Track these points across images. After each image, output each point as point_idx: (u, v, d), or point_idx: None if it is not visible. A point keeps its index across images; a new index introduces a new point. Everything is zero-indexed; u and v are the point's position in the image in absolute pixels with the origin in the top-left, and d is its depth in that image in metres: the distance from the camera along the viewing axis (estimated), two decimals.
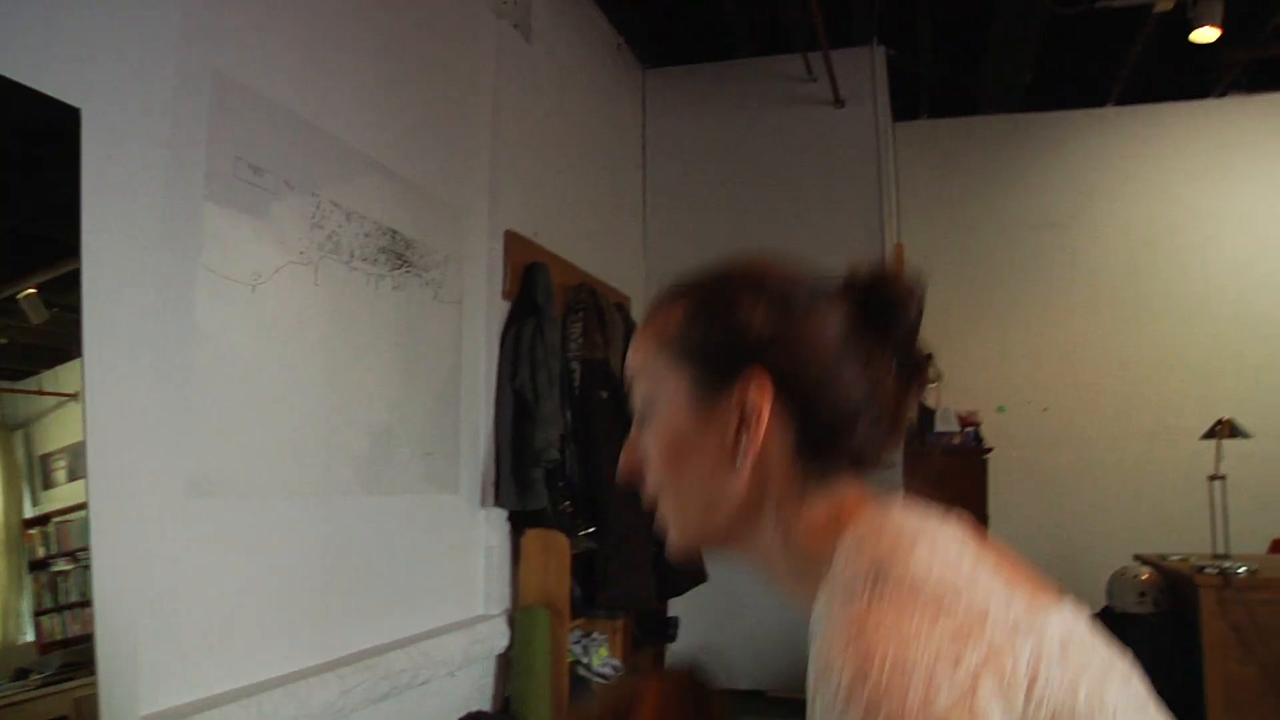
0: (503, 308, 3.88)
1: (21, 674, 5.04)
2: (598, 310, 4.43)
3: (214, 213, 2.53)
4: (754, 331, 0.98)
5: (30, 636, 6.94)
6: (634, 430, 1.03)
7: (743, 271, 1.03)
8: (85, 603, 6.94)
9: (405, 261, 3.37)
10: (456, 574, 3.54)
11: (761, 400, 0.95)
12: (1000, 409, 6.31)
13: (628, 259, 5.57)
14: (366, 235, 3.17)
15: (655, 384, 1.01)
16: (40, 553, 7.26)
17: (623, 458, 1.04)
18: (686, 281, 1.05)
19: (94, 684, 4.74)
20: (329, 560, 2.92)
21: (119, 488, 2.25)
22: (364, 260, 3.16)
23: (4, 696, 4.94)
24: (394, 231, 3.31)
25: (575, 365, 4.15)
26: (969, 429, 5.73)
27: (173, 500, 2.39)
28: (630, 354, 1.05)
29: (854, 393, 0.98)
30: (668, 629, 4.58)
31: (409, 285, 3.39)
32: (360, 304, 3.12)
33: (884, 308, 1.02)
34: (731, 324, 0.98)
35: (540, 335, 3.85)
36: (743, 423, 0.96)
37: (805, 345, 0.98)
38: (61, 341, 7.57)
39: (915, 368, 1.03)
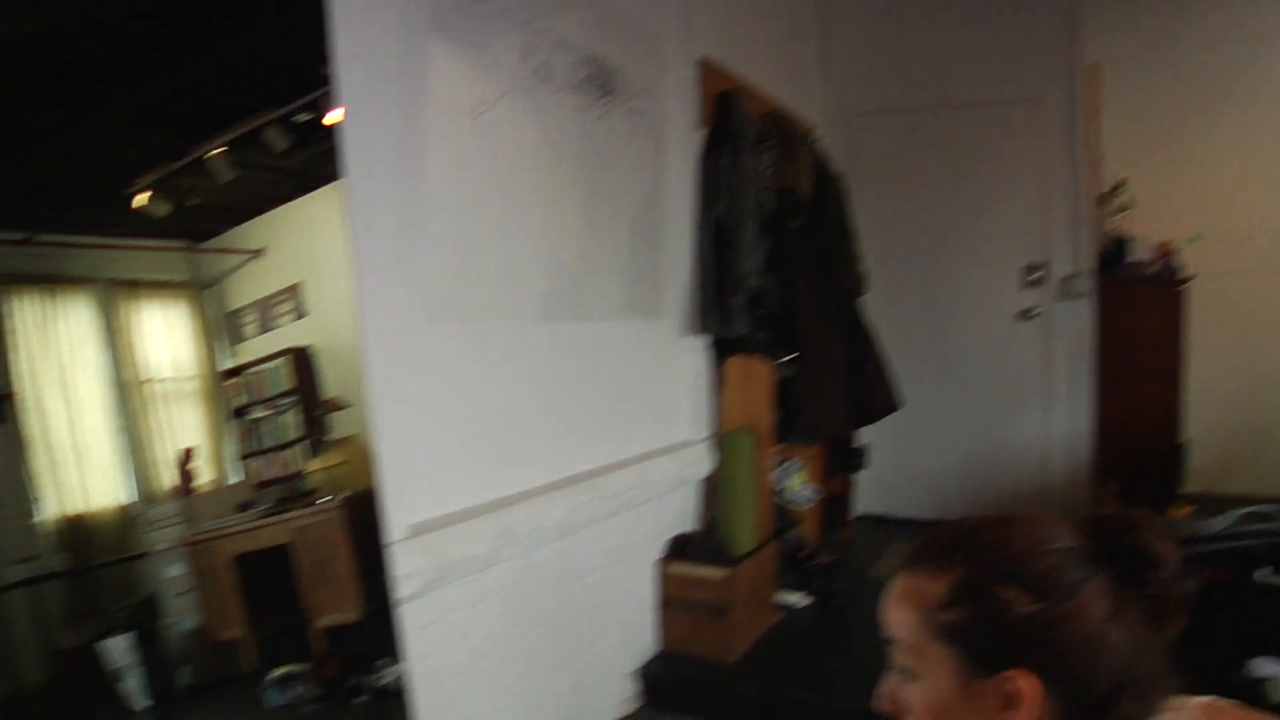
0: (699, 136, 3.83)
1: (244, 507, 5.29)
2: (787, 139, 4.34)
3: (438, 43, 2.54)
4: (1017, 626, 1.00)
5: (238, 477, 7.38)
6: (895, 678, 1.09)
7: (1000, 551, 1.04)
8: (282, 446, 7.24)
9: (608, 91, 3.34)
10: (663, 399, 3.61)
11: (1027, 692, 0.99)
12: (1195, 238, 6.00)
13: (810, 88, 5.40)
14: (574, 64, 3.14)
15: (918, 653, 1.06)
16: (239, 402, 7.62)
17: (884, 696, 1.11)
18: (942, 546, 1.08)
19: (306, 515, 4.99)
20: (551, 384, 3.00)
21: (380, 312, 2.33)
22: (571, 90, 3.14)
23: (235, 525, 5.34)
24: (598, 60, 3.27)
25: (768, 194, 4.09)
26: (1165, 258, 5.46)
27: (418, 325, 2.48)
28: (890, 609, 1.09)
29: (1116, 662, 1.00)
30: (858, 457, 4.61)
31: (612, 114, 3.36)
32: (568, 134, 3.12)
33: (1138, 564, 1.04)
34: (994, 617, 1.02)
35: (736, 164, 3.80)
36: (1007, 707, 1.00)
37: (1068, 634, 1.00)
38: (244, 200, 7.72)
39: (1168, 609, 1.04)
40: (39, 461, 7.14)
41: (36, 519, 7.06)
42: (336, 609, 4.96)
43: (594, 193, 3.28)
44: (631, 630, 3.37)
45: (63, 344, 7.58)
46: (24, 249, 7.40)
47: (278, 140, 6.30)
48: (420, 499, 2.42)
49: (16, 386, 7.11)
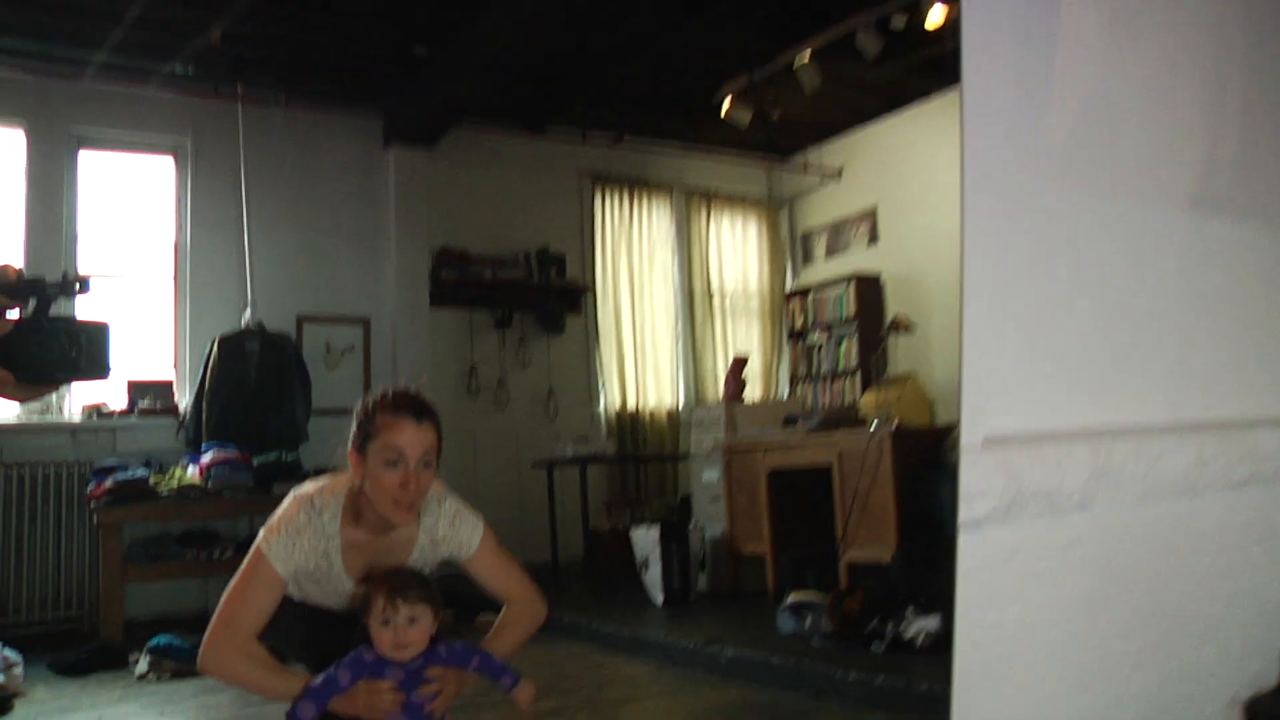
0: None
1: (789, 421, 5.62)
2: None
3: None
4: None
5: (783, 396, 7.13)
6: None
7: None
8: (835, 375, 7.33)
9: None
10: None
11: None
12: None
13: None
14: None
15: None
16: (798, 324, 6.90)
17: None
18: None
19: (852, 439, 4.59)
20: (1186, 294, 2.29)
21: (986, 162, 1.83)
22: None
23: (777, 439, 5.12)
24: None
25: None
26: None
27: (1030, 185, 1.94)
28: None
29: None
30: None
31: None
32: None
33: None
34: None
35: None
36: None
37: None
38: (825, 116, 7.48)
39: None
40: (605, 354, 7.55)
41: (596, 407, 7.51)
42: (868, 544, 4.60)
43: (1270, 65, 2.46)
44: (1246, 644, 2.56)
45: (639, 246, 7.90)
46: (613, 150, 7.81)
47: (870, 45, 5.93)
48: (1002, 404, 1.89)
49: (595, 281, 7.54)
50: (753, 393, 7.52)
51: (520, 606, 2.38)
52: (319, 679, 2.06)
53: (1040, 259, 1.99)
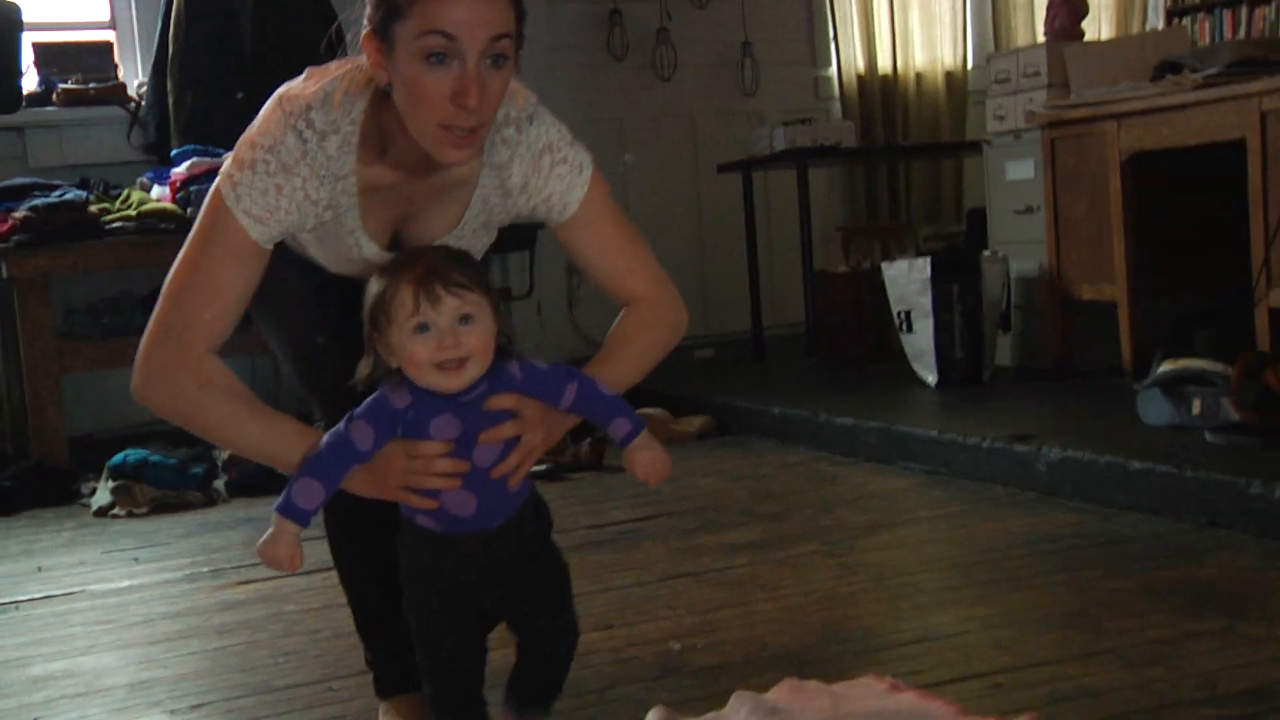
0: None
1: (1163, 70, 4.25)
2: None
3: None
4: None
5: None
6: None
7: None
8: None
9: None
10: None
11: None
12: None
13: None
14: None
15: None
16: None
17: None
18: None
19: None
20: None
21: None
22: None
23: (1139, 98, 4.16)
24: None
25: None
26: None
27: None
28: None
29: None
30: None
31: None
32: None
33: None
34: None
35: None
36: None
37: None
38: None
39: None
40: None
41: (824, 70, 6.03)
42: None
43: None
44: None
45: None
46: None
47: None
48: None
49: None
50: (1098, 27, 6.04)
51: (648, 307, 1.72)
52: (324, 440, 1.50)
53: None
